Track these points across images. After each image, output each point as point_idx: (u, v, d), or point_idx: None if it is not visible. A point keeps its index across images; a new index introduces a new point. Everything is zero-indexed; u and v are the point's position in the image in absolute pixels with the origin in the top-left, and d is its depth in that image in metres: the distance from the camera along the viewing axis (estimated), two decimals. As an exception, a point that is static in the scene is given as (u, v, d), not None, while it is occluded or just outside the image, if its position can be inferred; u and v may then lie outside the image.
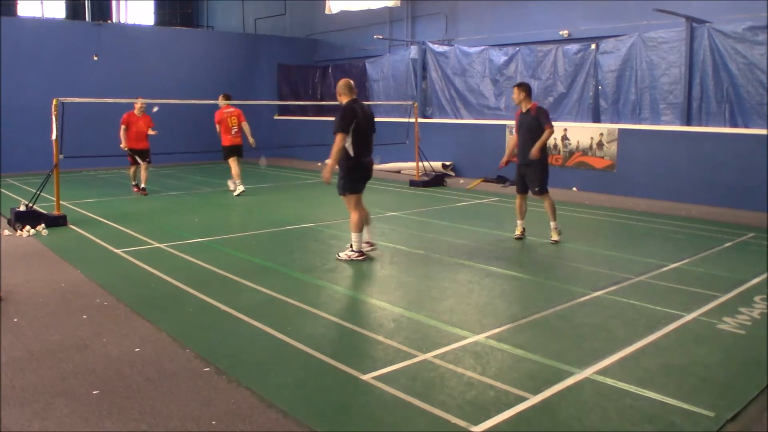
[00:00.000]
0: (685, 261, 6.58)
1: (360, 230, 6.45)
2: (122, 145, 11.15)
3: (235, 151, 11.49)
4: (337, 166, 6.34)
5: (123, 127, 11.10)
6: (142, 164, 11.25)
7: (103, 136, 15.36)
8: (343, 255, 6.54)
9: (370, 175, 6.59)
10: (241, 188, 11.23)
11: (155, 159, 12.13)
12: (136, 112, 11.25)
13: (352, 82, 6.47)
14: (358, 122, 6.18)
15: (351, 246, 6.56)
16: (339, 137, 6.12)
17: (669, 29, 11.29)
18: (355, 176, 6.40)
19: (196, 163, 17.03)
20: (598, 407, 3.34)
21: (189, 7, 26.30)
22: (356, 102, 6.33)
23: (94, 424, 3.16)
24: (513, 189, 12.31)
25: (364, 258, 6.52)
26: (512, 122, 13.50)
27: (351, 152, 6.26)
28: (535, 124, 7.26)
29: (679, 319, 4.74)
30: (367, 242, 6.75)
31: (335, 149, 6.15)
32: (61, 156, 8.45)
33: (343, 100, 6.33)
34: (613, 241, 7.92)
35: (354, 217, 6.44)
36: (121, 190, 11.95)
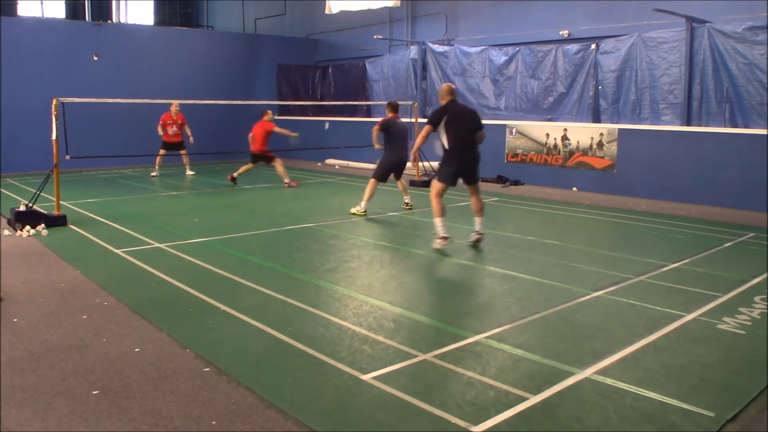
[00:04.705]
0: (685, 261, 6.59)
1: (440, 216, 6.91)
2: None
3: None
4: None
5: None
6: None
7: (103, 136, 15.42)
8: (434, 244, 6.94)
9: (466, 171, 7.04)
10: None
11: (153, 159, 14.07)
12: (172, 114, 13.67)
13: (453, 86, 7.24)
14: (450, 118, 6.84)
15: (435, 233, 6.99)
16: (425, 128, 6.97)
17: (669, 29, 11.29)
18: (447, 168, 7.00)
19: (196, 163, 17.01)
20: (598, 407, 3.34)
21: (189, 7, 26.30)
22: (453, 102, 7.04)
23: (94, 424, 3.16)
24: (513, 189, 12.37)
25: (448, 242, 6.88)
26: (512, 122, 13.60)
27: (446, 145, 6.91)
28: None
29: (679, 319, 4.74)
30: (476, 232, 7.18)
31: (419, 136, 7.10)
32: (67, 156, 8.45)
33: (442, 101, 7.09)
34: (613, 241, 7.93)
35: (434, 203, 6.96)
36: (121, 190, 11.96)
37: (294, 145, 13.10)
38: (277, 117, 19.44)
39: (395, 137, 9.21)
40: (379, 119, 9.56)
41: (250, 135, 12.50)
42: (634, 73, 11.82)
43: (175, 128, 13.77)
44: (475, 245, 7.11)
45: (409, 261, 6.70)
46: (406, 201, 9.73)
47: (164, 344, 4.23)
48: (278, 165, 12.47)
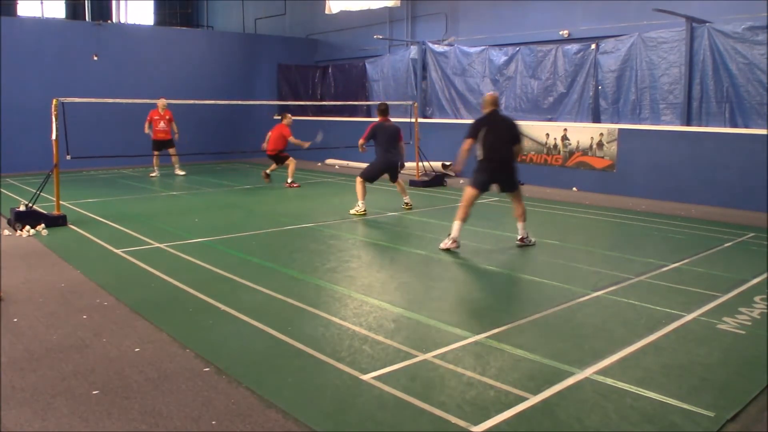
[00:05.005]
0: (685, 261, 6.58)
1: (461, 220, 6.95)
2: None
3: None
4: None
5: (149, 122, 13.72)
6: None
7: (103, 136, 15.41)
8: (442, 245, 6.98)
9: (499, 179, 7.11)
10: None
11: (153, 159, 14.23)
12: (159, 110, 13.60)
13: (496, 96, 7.33)
14: (488, 130, 6.92)
15: (449, 234, 7.01)
16: (466, 141, 6.99)
17: (669, 29, 11.28)
18: (479, 176, 7.08)
19: (197, 163, 17.02)
20: (598, 407, 3.34)
21: (189, 7, 26.29)
22: (493, 113, 7.08)
23: (94, 424, 3.16)
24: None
25: (457, 246, 6.93)
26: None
27: (479, 155, 7.01)
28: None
29: (679, 319, 4.74)
30: (521, 238, 7.24)
31: (462, 151, 7.02)
32: (67, 156, 8.45)
33: (484, 110, 7.16)
34: (613, 241, 7.93)
35: (461, 208, 7.01)
36: (121, 190, 11.96)
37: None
38: (277, 117, 19.52)
39: (382, 141, 9.21)
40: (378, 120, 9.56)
41: (268, 134, 12.86)
42: (634, 73, 11.82)
43: (163, 124, 13.69)
44: (522, 246, 7.18)
45: (409, 261, 6.70)
46: (406, 201, 9.75)
47: (164, 344, 4.23)
48: (291, 165, 12.69)
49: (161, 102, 13.50)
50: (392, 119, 9.66)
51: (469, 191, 7.03)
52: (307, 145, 12.66)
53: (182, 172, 14.35)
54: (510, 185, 7.18)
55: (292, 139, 12.69)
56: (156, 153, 13.78)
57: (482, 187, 7.07)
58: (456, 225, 6.95)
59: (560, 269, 6.23)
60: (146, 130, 13.74)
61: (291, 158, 12.72)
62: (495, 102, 7.15)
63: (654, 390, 3.52)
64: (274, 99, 19.19)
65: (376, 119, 9.58)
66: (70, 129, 8.70)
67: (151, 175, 14.06)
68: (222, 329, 4.51)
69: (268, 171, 13.00)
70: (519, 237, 7.24)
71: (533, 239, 7.28)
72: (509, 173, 7.15)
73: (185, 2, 26.16)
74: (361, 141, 9.29)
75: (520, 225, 7.23)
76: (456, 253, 6.86)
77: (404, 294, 5.48)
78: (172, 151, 14.01)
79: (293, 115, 19.28)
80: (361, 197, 9.18)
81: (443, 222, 8.72)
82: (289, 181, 12.53)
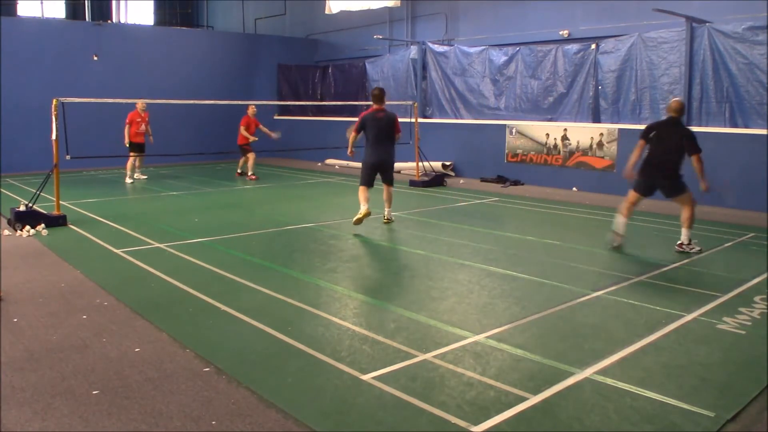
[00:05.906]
0: (685, 261, 6.59)
1: (623, 216, 7.19)
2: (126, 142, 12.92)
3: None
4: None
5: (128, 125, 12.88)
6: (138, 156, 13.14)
7: (103, 136, 15.40)
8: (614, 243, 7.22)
9: (658, 184, 7.09)
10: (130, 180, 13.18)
11: (156, 159, 14.30)
12: (139, 110, 12.94)
13: (680, 104, 7.13)
14: (656, 135, 7.04)
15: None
16: (639, 143, 7.21)
17: (669, 29, 11.28)
18: (639, 179, 7.20)
19: (196, 163, 17.04)
20: (598, 407, 3.35)
21: (189, 7, 26.30)
22: (670, 120, 7.05)
23: (94, 424, 3.16)
24: (513, 189, 12.38)
25: (615, 238, 7.16)
26: (512, 122, 13.60)
27: (645, 158, 7.19)
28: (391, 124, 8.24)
29: (679, 319, 4.74)
30: (680, 243, 7.10)
31: (635, 148, 7.22)
32: (67, 156, 8.45)
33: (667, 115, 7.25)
34: (613, 241, 7.92)
35: (623, 204, 7.26)
36: (121, 190, 11.97)
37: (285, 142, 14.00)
38: (276, 117, 19.54)
39: (371, 134, 8.08)
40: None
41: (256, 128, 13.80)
42: (634, 73, 11.82)
43: (143, 126, 12.94)
44: (680, 252, 7.00)
45: (409, 261, 6.70)
46: (386, 215, 8.53)
47: (164, 344, 4.23)
48: (247, 157, 13.64)
49: (141, 104, 12.78)
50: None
51: (630, 193, 7.24)
52: (253, 139, 13.47)
53: (144, 176, 13.60)
54: (669, 192, 7.10)
55: (242, 130, 13.40)
56: (133, 154, 12.84)
57: (642, 191, 7.17)
58: (617, 219, 7.23)
59: (560, 269, 6.23)
60: (126, 135, 12.70)
61: (250, 154, 13.58)
62: (676, 110, 7.04)
63: (654, 390, 3.52)
64: (274, 99, 19.20)
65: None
66: (70, 129, 8.70)
67: (128, 181, 12.95)
68: (222, 329, 4.51)
69: (246, 172, 13.76)
70: (678, 242, 7.10)
71: (695, 248, 6.98)
72: (669, 180, 7.03)
73: (185, 2, 26.17)
74: (351, 135, 8.18)
75: (683, 230, 7.04)
76: (455, 253, 6.86)
77: (404, 294, 5.48)
78: (143, 154, 13.13)
79: (294, 115, 19.47)
80: (362, 201, 8.06)
81: (442, 222, 8.73)
82: (239, 171, 14.03)
